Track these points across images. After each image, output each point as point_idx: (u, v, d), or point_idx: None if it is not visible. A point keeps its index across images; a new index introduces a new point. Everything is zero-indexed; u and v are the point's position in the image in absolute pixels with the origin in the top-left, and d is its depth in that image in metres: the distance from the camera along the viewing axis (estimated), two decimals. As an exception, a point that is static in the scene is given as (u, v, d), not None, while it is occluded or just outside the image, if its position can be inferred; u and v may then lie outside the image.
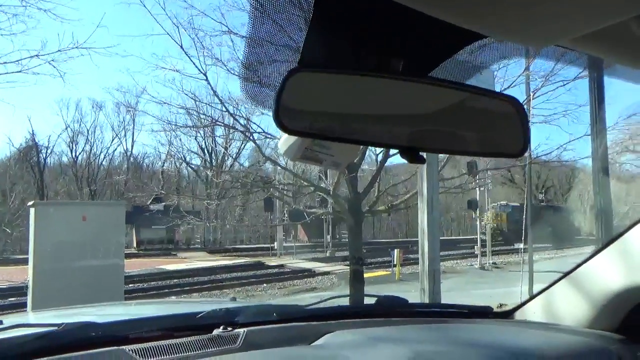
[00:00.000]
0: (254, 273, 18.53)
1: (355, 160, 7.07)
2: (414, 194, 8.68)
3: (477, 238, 20.98)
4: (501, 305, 2.04)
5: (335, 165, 1.00)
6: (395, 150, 8.50)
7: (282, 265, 21.09)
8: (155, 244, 32.61)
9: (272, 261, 23.13)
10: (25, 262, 18.83)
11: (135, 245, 32.35)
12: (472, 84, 0.86)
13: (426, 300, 4.89)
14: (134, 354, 1.09)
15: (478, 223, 21.37)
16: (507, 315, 1.73)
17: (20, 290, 12.88)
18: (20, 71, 6.64)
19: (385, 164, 8.89)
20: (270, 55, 0.90)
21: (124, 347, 1.11)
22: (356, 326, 1.40)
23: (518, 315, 1.72)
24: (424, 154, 0.82)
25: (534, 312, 1.67)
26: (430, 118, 0.78)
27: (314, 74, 0.73)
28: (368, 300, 1.66)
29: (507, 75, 7.66)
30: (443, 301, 5.05)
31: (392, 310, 1.57)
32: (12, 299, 13.18)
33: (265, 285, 15.51)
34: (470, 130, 0.83)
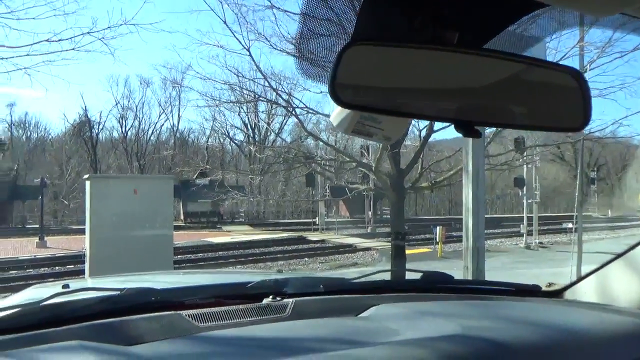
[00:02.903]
0: (295, 247, 18.83)
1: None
2: (457, 171, 8.52)
3: (523, 216, 20.40)
4: (550, 284, 1.98)
5: (386, 139, 1.00)
6: (440, 126, 8.33)
7: (323, 240, 21.32)
8: (201, 217, 33.65)
9: (314, 236, 23.41)
10: (80, 232, 19.91)
11: (182, 218, 33.50)
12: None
13: (470, 278, 4.84)
14: (190, 318, 1.15)
15: (525, 201, 20.73)
16: (557, 294, 1.69)
17: (77, 259, 13.68)
18: (73, 49, 6.88)
19: (429, 140, 8.75)
20: (325, 29, 0.90)
21: (180, 312, 1.17)
22: (402, 300, 1.41)
23: (568, 295, 1.68)
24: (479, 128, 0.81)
25: (585, 292, 1.63)
26: (485, 91, 0.76)
27: (369, 47, 0.72)
28: (412, 276, 1.66)
29: (559, 47, 7.29)
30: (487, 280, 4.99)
31: (438, 285, 1.57)
32: (70, 266, 14.01)
33: (307, 259, 15.76)
34: (527, 103, 0.80)
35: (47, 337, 1.02)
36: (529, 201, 20.58)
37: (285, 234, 24.63)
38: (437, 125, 8.26)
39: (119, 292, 1.22)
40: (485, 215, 5.54)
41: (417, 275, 1.60)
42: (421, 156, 8.80)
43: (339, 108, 0.96)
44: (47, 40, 6.49)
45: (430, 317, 1.22)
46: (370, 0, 0.72)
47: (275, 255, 16.60)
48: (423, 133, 8.45)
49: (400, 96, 0.76)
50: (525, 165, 18.25)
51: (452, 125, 0.80)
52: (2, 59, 6.26)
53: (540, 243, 19.61)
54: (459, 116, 0.78)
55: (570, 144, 13.38)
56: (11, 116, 48.63)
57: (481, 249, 5.13)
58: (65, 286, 1.48)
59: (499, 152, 10.29)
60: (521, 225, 20.19)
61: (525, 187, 20.45)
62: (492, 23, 0.79)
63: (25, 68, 6.52)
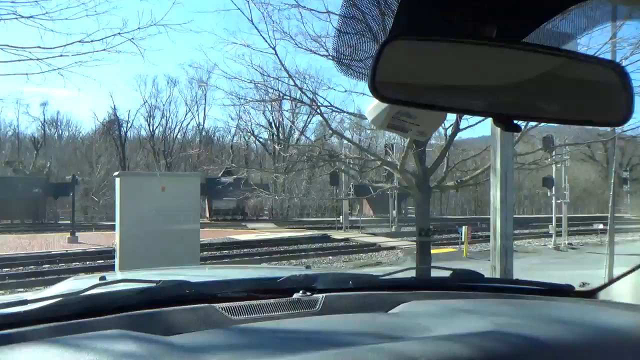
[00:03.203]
0: (320, 245, 18.87)
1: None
2: (484, 170, 8.39)
3: (551, 217, 19.95)
4: (584, 284, 1.94)
5: (421, 134, 1.00)
6: (466, 124, 8.22)
7: (347, 239, 21.30)
8: (226, 215, 34.07)
9: (338, 234, 23.40)
10: (110, 228, 20.36)
11: (208, 215, 33.97)
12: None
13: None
14: (224, 311, 1.17)
15: (553, 201, 20.27)
16: (591, 294, 1.66)
17: (107, 254, 14.03)
18: (104, 49, 7.05)
19: (455, 139, 8.65)
20: (364, 24, 0.90)
21: (214, 304, 1.20)
22: (431, 297, 1.41)
23: (602, 295, 1.64)
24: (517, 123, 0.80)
25: (620, 292, 1.59)
26: (525, 85, 0.76)
27: (409, 42, 0.73)
28: (441, 274, 1.65)
29: (590, 43, 7.09)
30: (515, 280, 4.90)
31: (469, 284, 1.56)
32: (101, 261, 14.37)
33: (330, 257, 15.78)
34: (567, 97, 0.79)
35: (88, 326, 1.06)
36: (558, 201, 20.12)
37: (309, 232, 24.71)
38: (464, 123, 8.17)
39: (155, 284, 1.25)
40: (513, 215, 5.44)
41: (446, 273, 1.59)
42: (447, 155, 8.71)
43: (374, 103, 0.96)
44: (80, 41, 6.66)
45: (463, 315, 1.22)
46: None
47: (299, 253, 16.66)
48: (449, 131, 8.36)
49: (440, 90, 0.76)
50: (554, 165, 17.84)
51: (479, 123, 0.80)
52: (37, 59, 6.45)
53: (570, 244, 19.16)
54: (499, 110, 0.77)
55: (602, 143, 12.97)
56: (44, 115, 50.17)
57: (509, 249, 5.04)
58: (102, 278, 1.53)
59: (527, 151, 10.07)
60: (550, 225, 19.75)
61: (554, 187, 20.00)
62: (531, 16, 0.78)
63: (58, 68, 6.70)
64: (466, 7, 0.75)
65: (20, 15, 6.14)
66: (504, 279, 3.30)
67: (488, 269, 5.33)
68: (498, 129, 5.07)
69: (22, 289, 10.48)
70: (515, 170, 7.88)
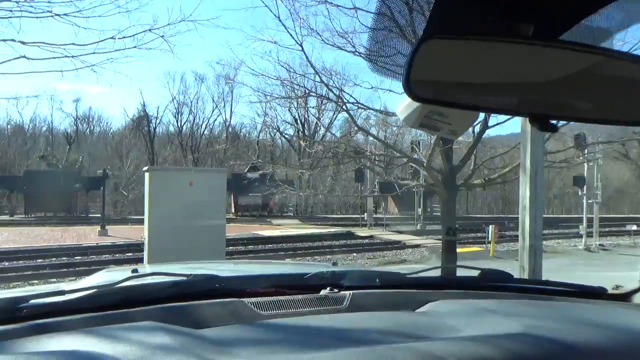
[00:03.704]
0: (344, 242, 18.87)
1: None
2: (513, 168, 8.24)
3: (582, 217, 19.44)
4: (617, 286, 1.88)
5: (453, 133, 1.00)
6: (494, 122, 8.07)
7: (371, 236, 21.23)
8: (252, 210, 34.40)
9: (362, 232, 23.35)
10: (138, 222, 20.79)
11: (233, 210, 34.37)
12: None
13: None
14: (253, 306, 1.19)
15: (585, 201, 19.74)
16: (624, 298, 1.62)
17: (136, 247, 14.36)
18: (135, 46, 7.20)
19: (483, 136, 8.51)
20: (397, 23, 0.90)
21: (243, 299, 1.22)
22: (459, 297, 1.39)
23: (637, 299, 1.60)
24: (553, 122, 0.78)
25: None
26: (561, 83, 0.74)
27: (444, 41, 0.72)
28: (468, 273, 1.63)
29: (626, 37, 6.86)
30: (544, 281, 4.81)
31: (497, 284, 1.54)
32: (130, 253, 14.71)
33: (355, 254, 15.76)
34: (604, 96, 0.78)
35: (122, 317, 1.09)
36: (590, 201, 19.59)
37: (333, 229, 24.73)
38: (492, 120, 8.03)
39: (186, 278, 1.28)
40: (542, 215, 5.33)
41: (474, 273, 1.57)
42: (474, 152, 8.58)
43: (406, 102, 0.96)
44: (112, 38, 6.83)
45: (491, 315, 1.20)
46: None
47: (324, 249, 16.70)
48: (477, 129, 8.23)
49: (474, 90, 0.75)
50: (586, 163, 17.36)
51: (508, 121, 0.79)
52: (71, 56, 6.63)
53: (601, 245, 18.65)
54: (534, 110, 0.76)
55: (637, 141, 12.55)
56: (77, 111, 51.60)
57: (538, 249, 4.94)
58: (135, 271, 1.57)
59: (558, 149, 9.83)
60: (580, 226, 19.25)
61: (585, 186, 19.47)
62: (568, 13, 0.77)
63: (91, 65, 6.88)
64: (502, 5, 0.74)
65: (55, 13, 6.32)
66: (533, 279, 3.24)
67: (516, 269, 5.24)
68: (528, 126, 4.97)
69: (54, 280, 10.83)
70: (545, 169, 7.71)
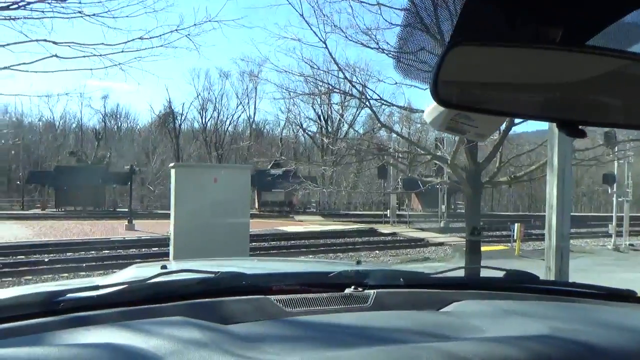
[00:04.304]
0: (366, 239, 18.85)
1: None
2: (540, 166, 8.09)
3: (612, 216, 18.94)
4: (647, 289, 1.83)
5: (479, 136, 1.00)
6: (520, 120, 7.94)
7: (394, 234, 21.15)
8: (275, 207, 34.63)
9: (385, 229, 23.27)
10: (164, 216, 21.14)
11: (256, 206, 34.66)
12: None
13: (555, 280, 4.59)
14: (278, 303, 1.21)
15: (614, 199, 19.22)
16: None
17: (162, 241, 14.64)
18: (162, 45, 7.33)
19: (509, 133, 8.37)
20: (426, 29, 0.91)
21: (269, 296, 1.24)
22: (484, 297, 1.39)
23: None
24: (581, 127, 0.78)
25: None
26: (590, 88, 0.74)
27: (472, 47, 0.73)
28: (492, 273, 1.63)
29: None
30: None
31: (523, 285, 1.53)
32: (155, 248, 15.02)
33: (377, 252, 15.73)
34: (635, 100, 0.77)
35: (153, 312, 1.13)
36: (620, 199, 19.06)
37: (356, 226, 24.71)
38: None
39: (213, 275, 1.31)
40: (570, 214, 5.22)
41: (499, 273, 1.56)
42: (500, 149, 8.45)
43: (432, 105, 0.97)
44: (140, 39, 6.96)
45: (516, 317, 1.20)
46: (471, 0, 0.73)
47: (346, 246, 16.72)
48: (503, 126, 8.09)
49: (502, 95, 0.75)
50: (616, 161, 16.90)
51: (531, 119, 0.79)
52: (100, 55, 6.79)
53: (631, 245, 18.15)
54: (562, 115, 0.76)
55: (671, 139, 12.15)
56: (105, 108, 52.72)
57: (565, 249, 4.85)
58: (164, 267, 1.62)
59: (587, 146, 9.59)
60: (609, 225, 18.76)
61: (615, 184, 18.96)
62: (596, 18, 0.76)
63: (120, 64, 7.03)
64: (530, 11, 0.74)
65: (85, 14, 6.48)
66: (560, 281, 3.18)
67: (541, 269, 5.16)
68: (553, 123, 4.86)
69: (83, 273, 11.14)
70: (573, 166, 7.55)
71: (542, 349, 0.96)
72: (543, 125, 6.35)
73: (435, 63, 0.71)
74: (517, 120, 8.10)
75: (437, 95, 0.72)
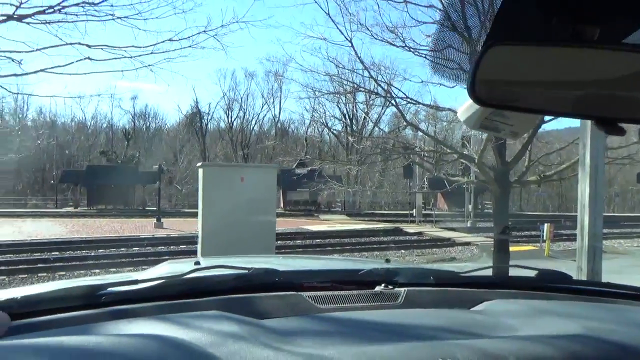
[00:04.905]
0: (392, 239, 18.74)
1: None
2: (570, 164, 7.90)
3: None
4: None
5: (514, 134, 1.00)
6: (551, 117, 7.77)
7: (420, 233, 20.97)
8: (300, 206, 34.79)
9: (410, 228, 23.10)
10: (191, 215, 21.46)
11: (282, 205, 34.87)
12: None
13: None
14: (310, 299, 1.23)
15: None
16: None
17: (189, 239, 14.90)
18: (190, 46, 7.46)
19: (538, 131, 8.20)
20: (459, 26, 0.92)
21: (301, 293, 1.27)
22: (516, 297, 1.38)
23: None
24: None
25: None
26: (628, 86, 0.74)
27: (509, 47, 0.73)
28: (522, 273, 1.61)
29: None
30: (603, 283, 4.58)
31: (555, 285, 1.51)
32: (183, 246, 15.27)
33: (403, 251, 15.63)
34: None
35: (189, 306, 1.16)
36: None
37: (381, 225, 24.61)
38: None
39: (247, 271, 1.35)
40: (603, 213, 5.08)
41: (529, 273, 1.55)
42: (529, 148, 8.29)
43: (467, 104, 0.97)
44: (169, 40, 7.11)
45: (549, 316, 1.19)
46: (508, 0, 0.73)
47: (372, 245, 16.67)
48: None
49: (539, 93, 0.76)
50: (651, 159, 16.33)
51: (568, 117, 0.79)
52: (130, 57, 6.96)
53: (668, 246, 17.54)
54: (600, 113, 0.76)
55: None
56: (134, 108, 53.94)
57: (598, 249, 4.72)
58: (197, 263, 1.66)
59: (621, 144, 9.31)
60: (644, 225, 18.18)
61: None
62: (634, 16, 0.75)
63: (149, 65, 7.19)
64: (567, 10, 0.74)
65: (117, 17, 6.65)
66: (595, 281, 3.10)
67: (572, 270, 5.04)
68: (588, 122, 4.75)
69: (114, 269, 11.43)
70: (606, 165, 7.33)
71: (576, 348, 0.95)
72: (574, 123, 6.20)
73: (473, 62, 0.72)
74: (547, 118, 7.95)
75: (474, 93, 0.73)
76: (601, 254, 4.85)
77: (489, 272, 1.81)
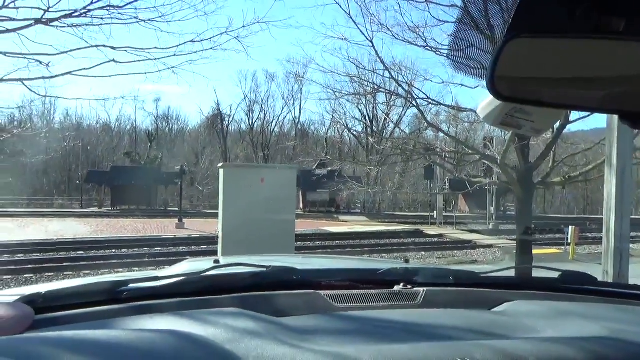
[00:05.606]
0: (412, 240, 18.60)
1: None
2: (596, 166, 7.71)
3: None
4: None
5: (536, 131, 0.98)
6: (576, 117, 7.58)
7: (441, 235, 20.76)
8: (319, 207, 34.82)
9: (431, 230, 22.89)
10: (212, 215, 21.65)
11: (301, 206, 34.96)
12: None
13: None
14: (328, 298, 1.23)
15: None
16: None
17: (210, 240, 15.05)
18: (212, 48, 7.53)
19: (563, 131, 8.03)
20: (481, 23, 0.90)
21: (319, 291, 1.27)
22: (538, 298, 1.35)
23: None
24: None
25: None
26: None
27: (530, 40, 0.72)
28: (545, 275, 1.57)
29: None
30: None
31: (579, 286, 1.47)
32: (204, 246, 15.45)
33: (423, 253, 15.49)
34: None
35: (209, 303, 1.17)
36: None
37: (401, 227, 24.44)
38: (574, 115, 7.55)
39: (265, 269, 1.35)
40: (630, 216, 4.95)
41: (552, 274, 1.51)
42: (553, 149, 8.13)
43: (487, 100, 0.95)
44: (192, 41, 7.19)
45: (572, 318, 1.16)
46: None
47: (392, 247, 16.56)
48: (557, 124, 7.77)
49: (561, 87, 0.74)
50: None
51: (591, 115, 0.77)
52: (154, 59, 7.07)
53: (699, 251, 16.97)
54: (625, 107, 0.73)
55: None
56: (157, 110, 54.78)
57: (625, 252, 4.60)
58: (216, 261, 1.67)
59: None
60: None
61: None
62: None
63: (172, 67, 7.29)
64: (591, 1, 0.72)
65: (140, 19, 6.76)
66: (620, 284, 3.02)
67: (598, 273, 4.92)
68: (615, 121, 4.63)
69: (137, 268, 11.62)
70: (634, 166, 7.14)
71: (600, 349, 0.93)
72: (600, 123, 6.07)
73: (493, 56, 0.71)
74: (572, 118, 7.79)
75: (494, 88, 0.72)
76: (628, 257, 4.72)
77: (510, 273, 1.78)
